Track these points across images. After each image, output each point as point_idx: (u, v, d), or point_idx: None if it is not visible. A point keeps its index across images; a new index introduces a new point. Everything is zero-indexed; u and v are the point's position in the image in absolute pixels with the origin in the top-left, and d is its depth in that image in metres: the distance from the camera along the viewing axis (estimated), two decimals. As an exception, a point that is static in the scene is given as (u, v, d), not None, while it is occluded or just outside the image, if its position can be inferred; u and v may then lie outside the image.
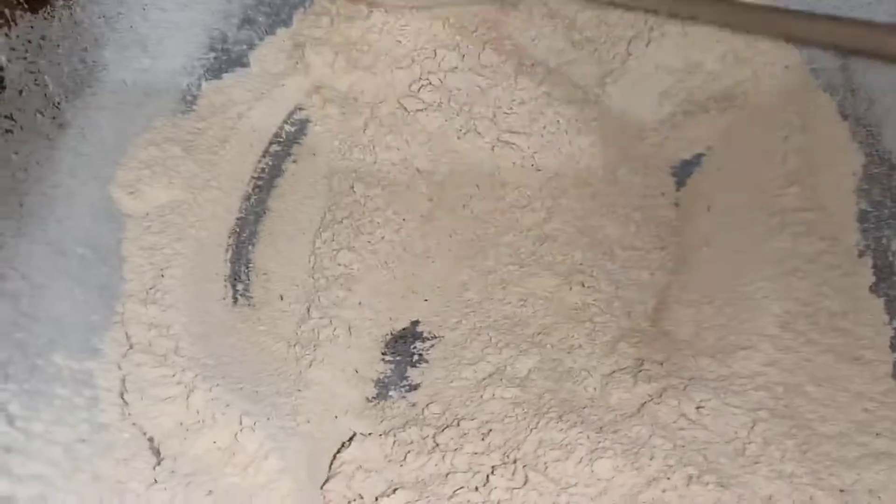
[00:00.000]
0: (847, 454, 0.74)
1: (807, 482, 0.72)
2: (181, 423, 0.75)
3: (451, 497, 0.73)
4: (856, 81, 0.96)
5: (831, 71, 1.00)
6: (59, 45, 0.86)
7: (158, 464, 0.72)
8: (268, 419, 0.75)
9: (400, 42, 1.04)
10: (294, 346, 0.85)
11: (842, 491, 0.72)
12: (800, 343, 0.82)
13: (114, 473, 0.68)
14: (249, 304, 0.88)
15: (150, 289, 0.83)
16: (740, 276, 0.90)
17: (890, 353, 0.81)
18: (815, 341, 0.82)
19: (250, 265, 0.91)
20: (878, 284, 0.86)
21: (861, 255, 0.88)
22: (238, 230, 0.93)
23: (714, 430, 0.76)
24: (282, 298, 0.89)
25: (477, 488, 0.74)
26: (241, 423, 0.74)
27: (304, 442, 0.77)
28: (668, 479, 0.72)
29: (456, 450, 0.77)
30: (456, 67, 1.03)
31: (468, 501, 0.73)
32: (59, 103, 0.86)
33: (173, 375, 0.77)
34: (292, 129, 1.02)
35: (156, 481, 0.70)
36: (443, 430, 0.79)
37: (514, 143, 1.01)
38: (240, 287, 0.89)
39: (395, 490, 0.74)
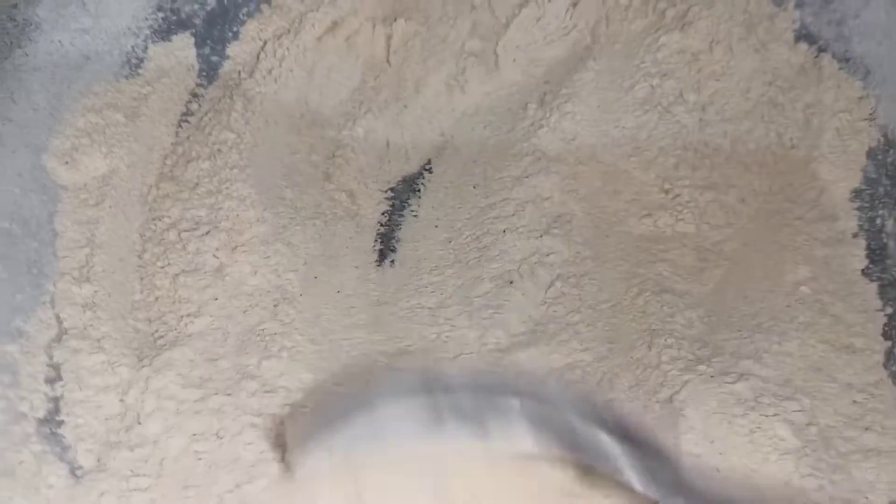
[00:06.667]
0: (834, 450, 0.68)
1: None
2: (121, 413, 0.69)
3: None
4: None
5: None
6: (-17, 1, 0.79)
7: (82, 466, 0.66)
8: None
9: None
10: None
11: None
12: (789, 330, 0.76)
13: (27, 468, 0.62)
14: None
15: (85, 267, 0.77)
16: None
17: (882, 342, 0.75)
18: (803, 328, 0.76)
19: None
20: (871, 268, 0.80)
21: (854, 236, 0.82)
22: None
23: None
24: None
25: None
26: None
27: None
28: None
29: None
30: None
31: None
32: (-16, 64, 0.79)
33: (111, 362, 0.71)
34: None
35: (79, 479, 0.64)
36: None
37: None
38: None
39: None
